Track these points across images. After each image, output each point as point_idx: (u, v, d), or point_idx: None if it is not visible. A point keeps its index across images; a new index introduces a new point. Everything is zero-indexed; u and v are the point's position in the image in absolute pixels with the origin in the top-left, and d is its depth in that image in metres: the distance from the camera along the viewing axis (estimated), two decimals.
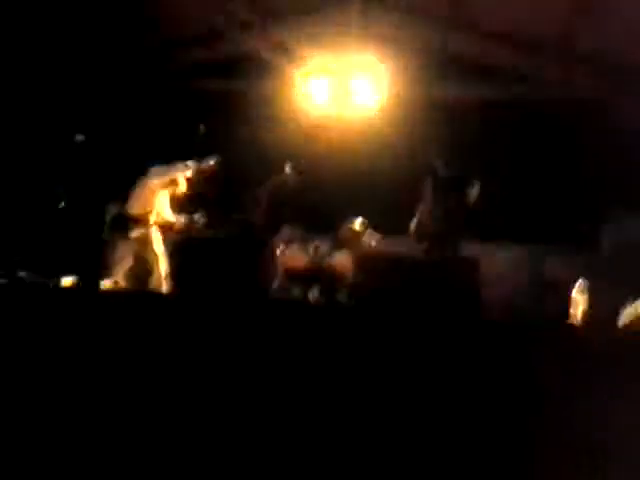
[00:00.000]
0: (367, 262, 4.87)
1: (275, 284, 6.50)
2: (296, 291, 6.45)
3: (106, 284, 5.61)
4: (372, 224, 7.14)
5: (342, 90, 7.47)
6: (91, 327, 4.19)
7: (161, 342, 4.01)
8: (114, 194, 6.38)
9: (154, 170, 6.08)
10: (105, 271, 5.83)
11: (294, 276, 6.61)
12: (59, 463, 3.52)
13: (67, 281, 5.57)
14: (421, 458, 3.56)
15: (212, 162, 6.13)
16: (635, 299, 5.03)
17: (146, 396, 3.83)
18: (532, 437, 3.46)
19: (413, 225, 6.08)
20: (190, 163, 6.12)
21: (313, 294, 6.38)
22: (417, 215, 6.11)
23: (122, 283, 5.63)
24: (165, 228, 6.03)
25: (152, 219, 5.97)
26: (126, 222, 5.84)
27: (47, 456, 3.53)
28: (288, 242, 6.84)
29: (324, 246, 6.94)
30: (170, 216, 6.13)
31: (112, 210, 6.11)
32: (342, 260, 6.63)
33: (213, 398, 3.75)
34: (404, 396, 3.71)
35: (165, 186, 6.06)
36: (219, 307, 4.34)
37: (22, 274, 5.35)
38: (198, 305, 4.40)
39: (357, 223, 6.93)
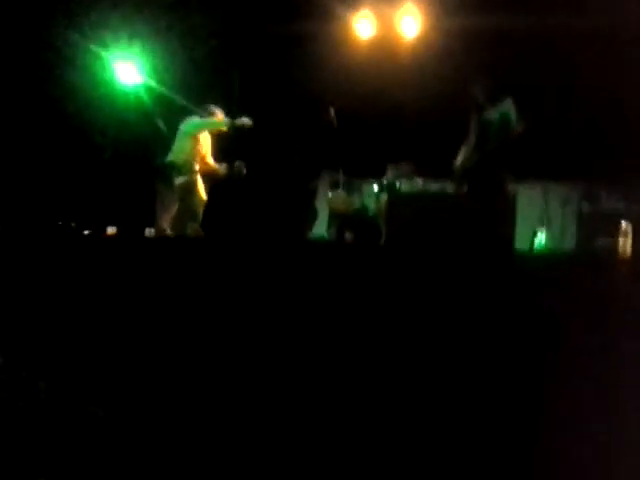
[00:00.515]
0: (400, 200, 4.85)
1: (318, 225, 6.57)
2: (336, 232, 6.46)
3: (151, 231, 5.81)
4: (420, 166, 7.06)
5: (386, 24, 7.40)
6: (132, 272, 4.38)
7: (200, 286, 4.15)
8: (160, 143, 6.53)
9: (191, 119, 6.17)
10: (152, 219, 6.00)
11: (339, 219, 6.62)
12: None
13: (111, 230, 5.78)
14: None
15: (246, 121, 6.15)
16: None
17: (188, 336, 3.99)
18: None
19: (456, 166, 5.91)
20: (218, 110, 6.17)
21: (350, 235, 6.38)
22: (459, 156, 5.95)
23: (168, 230, 5.80)
24: (208, 174, 6.15)
25: (196, 166, 6.09)
26: (171, 170, 5.97)
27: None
28: (333, 187, 6.84)
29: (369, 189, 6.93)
30: (213, 163, 6.25)
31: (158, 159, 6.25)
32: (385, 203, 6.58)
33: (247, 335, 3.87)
34: (438, 332, 3.72)
35: (205, 132, 6.16)
36: (256, 248, 4.43)
37: (72, 224, 5.58)
38: (236, 245, 4.52)
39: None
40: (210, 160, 6.35)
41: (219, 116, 6.18)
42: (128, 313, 4.14)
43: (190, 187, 6.05)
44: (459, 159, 5.91)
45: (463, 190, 5.69)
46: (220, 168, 6.25)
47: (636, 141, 6.78)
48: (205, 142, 6.23)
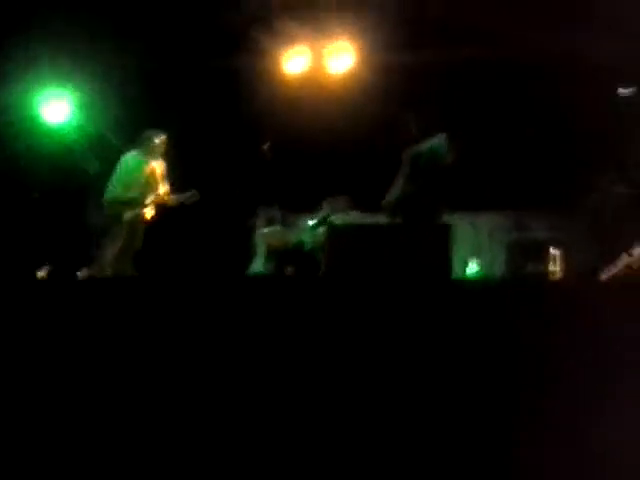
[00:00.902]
0: (338, 233, 4.89)
1: (256, 262, 6.55)
2: (275, 267, 6.46)
3: (84, 273, 5.64)
4: (355, 200, 7.16)
5: (317, 59, 7.51)
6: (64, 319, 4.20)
7: (137, 329, 4.04)
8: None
9: (132, 152, 6.05)
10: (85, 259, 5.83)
11: (276, 255, 6.62)
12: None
13: (42, 273, 5.59)
14: (403, 429, 3.59)
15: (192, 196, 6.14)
16: None
17: (137, 380, 3.86)
18: (516, 395, 3.50)
19: (388, 198, 5.99)
20: (156, 136, 6.10)
21: (290, 269, 6.39)
22: (392, 188, 6.03)
23: (109, 270, 5.63)
24: (158, 206, 6.03)
25: (146, 200, 5.96)
26: (119, 205, 5.82)
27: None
28: (268, 221, 6.85)
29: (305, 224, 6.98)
30: (166, 192, 6.11)
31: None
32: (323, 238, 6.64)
33: (199, 379, 3.78)
34: (380, 359, 3.74)
35: (158, 160, 6.06)
36: (194, 286, 4.36)
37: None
38: (174, 284, 4.43)
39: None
40: (163, 189, 6.24)
41: (156, 141, 6.07)
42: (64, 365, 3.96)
43: (136, 223, 5.90)
44: (391, 192, 6.00)
45: (396, 222, 5.76)
46: (173, 198, 6.10)
47: (562, 171, 7.13)
48: (157, 171, 6.10)
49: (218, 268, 5.64)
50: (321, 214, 6.95)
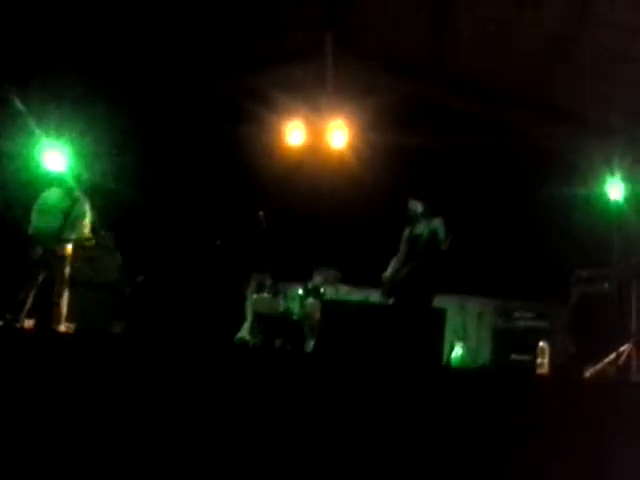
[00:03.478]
0: (333, 309, 4.89)
1: (244, 329, 6.50)
2: (263, 337, 6.41)
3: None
4: (344, 274, 7.21)
5: (316, 134, 7.71)
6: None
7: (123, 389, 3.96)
8: None
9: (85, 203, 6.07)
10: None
11: (263, 322, 6.59)
12: None
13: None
14: None
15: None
16: None
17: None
18: None
19: (385, 277, 6.04)
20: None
21: (279, 341, 6.35)
22: (389, 267, 6.09)
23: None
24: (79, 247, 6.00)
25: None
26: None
27: None
28: (258, 289, 6.84)
29: (294, 293, 6.99)
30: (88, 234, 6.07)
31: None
32: (313, 308, 6.65)
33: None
34: (370, 435, 3.71)
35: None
36: (184, 350, 4.31)
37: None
38: (163, 346, 4.38)
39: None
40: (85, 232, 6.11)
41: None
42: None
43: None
44: (388, 271, 6.07)
45: (389, 302, 5.82)
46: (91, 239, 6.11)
47: (547, 263, 7.27)
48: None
49: (210, 331, 5.59)
50: (311, 284, 6.98)
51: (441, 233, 5.67)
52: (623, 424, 3.60)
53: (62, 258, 5.75)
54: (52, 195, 6.02)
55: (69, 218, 5.83)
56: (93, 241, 5.99)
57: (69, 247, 5.81)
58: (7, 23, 6.52)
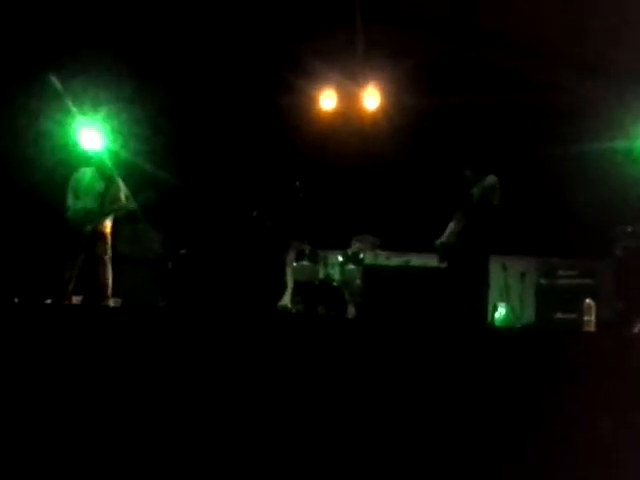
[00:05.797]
0: (374, 274, 4.89)
1: (285, 298, 6.55)
2: (305, 305, 6.45)
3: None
4: (383, 239, 7.18)
5: (349, 100, 7.76)
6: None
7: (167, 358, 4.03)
8: None
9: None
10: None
11: (304, 290, 6.62)
12: None
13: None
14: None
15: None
16: None
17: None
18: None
19: (440, 242, 5.84)
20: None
21: (322, 308, 6.37)
22: (447, 230, 5.89)
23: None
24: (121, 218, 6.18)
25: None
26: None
27: None
28: (298, 257, 6.86)
29: (334, 260, 7.00)
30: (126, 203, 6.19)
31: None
32: (352, 274, 6.66)
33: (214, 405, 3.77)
34: (412, 400, 3.74)
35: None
36: (228, 319, 4.37)
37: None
38: (207, 316, 4.44)
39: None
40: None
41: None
42: None
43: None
44: (445, 234, 5.86)
45: (444, 265, 5.66)
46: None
47: (590, 220, 7.13)
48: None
49: (252, 301, 5.64)
50: (350, 250, 6.97)
51: (494, 192, 5.44)
52: None
53: (103, 235, 5.86)
54: (85, 176, 6.10)
55: (105, 198, 5.92)
56: (132, 205, 6.07)
57: (109, 224, 5.92)
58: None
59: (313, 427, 3.73)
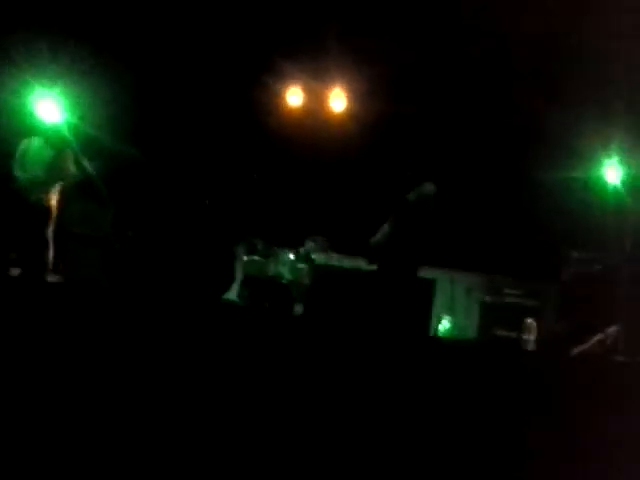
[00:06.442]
0: (323, 275, 4.88)
1: (233, 290, 6.49)
2: (249, 296, 6.41)
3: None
4: (337, 241, 7.18)
5: (316, 98, 7.81)
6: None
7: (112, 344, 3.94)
8: None
9: None
10: None
11: (252, 284, 6.58)
12: None
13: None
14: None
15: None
16: None
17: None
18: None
19: (374, 239, 5.90)
20: None
21: (267, 304, 6.34)
22: (378, 234, 5.96)
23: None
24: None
25: None
26: None
27: None
28: (250, 251, 6.82)
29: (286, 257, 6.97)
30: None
31: None
32: (302, 274, 6.64)
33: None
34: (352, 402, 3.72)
35: None
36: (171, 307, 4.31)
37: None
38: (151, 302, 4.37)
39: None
40: None
41: None
42: None
43: None
44: (377, 235, 5.91)
45: (375, 265, 5.68)
46: None
47: (540, 241, 7.27)
48: None
49: (198, 289, 5.58)
50: (303, 250, 6.96)
51: (430, 198, 5.51)
52: (608, 402, 3.63)
53: (48, 208, 5.70)
54: (31, 146, 5.94)
55: (53, 168, 5.77)
56: (82, 176, 5.95)
57: (55, 197, 5.76)
58: None
59: (247, 419, 3.69)
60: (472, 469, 3.53)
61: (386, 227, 5.62)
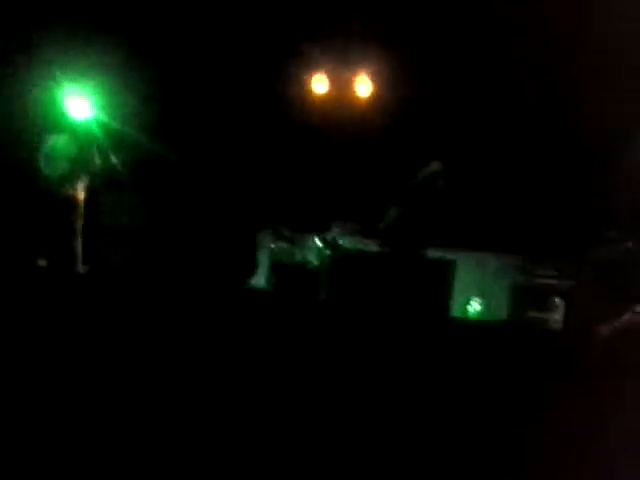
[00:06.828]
0: (343, 256, 4.91)
1: (259, 275, 6.57)
2: (277, 283, 6.47)
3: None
4: (364, 226, 7.18)
5: (341, 85, 7.81)
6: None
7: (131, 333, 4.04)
8: None
9: None
10: None
11: (280, 271, 6.64)
12: None
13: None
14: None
15: None
16: None
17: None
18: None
19: (381, 225, 5.86)
20: None
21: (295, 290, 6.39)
22: (387, 217, 5.91)
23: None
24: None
25: None
26: None
27: None
28: (276, 238, 6.89)
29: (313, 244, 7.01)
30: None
31: None
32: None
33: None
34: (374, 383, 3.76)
35: None
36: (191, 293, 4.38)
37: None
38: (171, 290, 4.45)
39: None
40: None
41: None
42: None
43: None
44: (386, 218, 5.88)
45: (387, 246, 5.66)
46: None
47: (572, 220, 7.13)
48: None
49: (221, 278, 5.66)
50: (329, 235, 6.97)
51: (437, 177, 5.45)
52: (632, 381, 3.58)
53: (75, 201, 5.87)
54: (58, 142, 6.11)
55: (78, 162, 5.94)
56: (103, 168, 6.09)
57: (82, 191, 5.92)
58: None
59: (273, 405, 3.75)
60: (499, 452, 3.53)
61: (394, 209, 5.60)
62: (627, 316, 5.17)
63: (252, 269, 6.38)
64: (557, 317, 5.59)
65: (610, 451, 3.41)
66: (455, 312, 5.51)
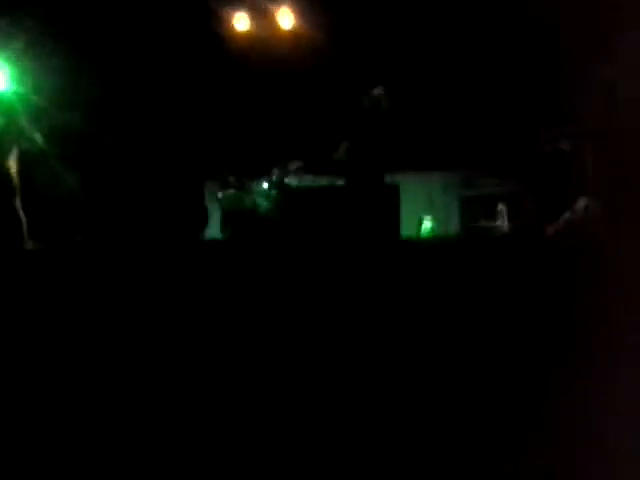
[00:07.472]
0: (291, 195, 4.96)
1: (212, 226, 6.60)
2: (231, 231, 6.51)
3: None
4: (308, 163, 7.19)
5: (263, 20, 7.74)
6: None
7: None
8: None
9: None
10: None
11: (232, 218, 6.66)
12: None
13: None
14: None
15: None
16: None
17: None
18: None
19: (335, 157, 5.87)
20: None
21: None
22: (340, 149, 5.91)
23: None
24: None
25: None
26: None
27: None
28: (223, 186, 6.87)
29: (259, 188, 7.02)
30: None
31: None
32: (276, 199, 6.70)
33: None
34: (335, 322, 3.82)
35: None
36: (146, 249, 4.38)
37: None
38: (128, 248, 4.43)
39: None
40: None
41: None
42: None
43: None
44: (339, 150, 5.88)
45: (342, 177, 5.69)
46: None
47: (507, 127, 7.24)
48: None
49: (174, 231, 5.66)
50: (275, 177, 6.98)
51: (383, 101, 5.44)
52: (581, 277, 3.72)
53: (9, 176, 5.70)
54: None
55: (6, 134, 5.75)
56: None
57: (14, 164, 5.75)
58: None
59: (237, 356, 3.79)
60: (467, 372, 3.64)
61: (345, 140, 5.59)
62: (567, 215, 5.39)
63: (204, 221, 6.39)
64: (501, 223, 5.77)
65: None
66: (410, 232, 5.63)
